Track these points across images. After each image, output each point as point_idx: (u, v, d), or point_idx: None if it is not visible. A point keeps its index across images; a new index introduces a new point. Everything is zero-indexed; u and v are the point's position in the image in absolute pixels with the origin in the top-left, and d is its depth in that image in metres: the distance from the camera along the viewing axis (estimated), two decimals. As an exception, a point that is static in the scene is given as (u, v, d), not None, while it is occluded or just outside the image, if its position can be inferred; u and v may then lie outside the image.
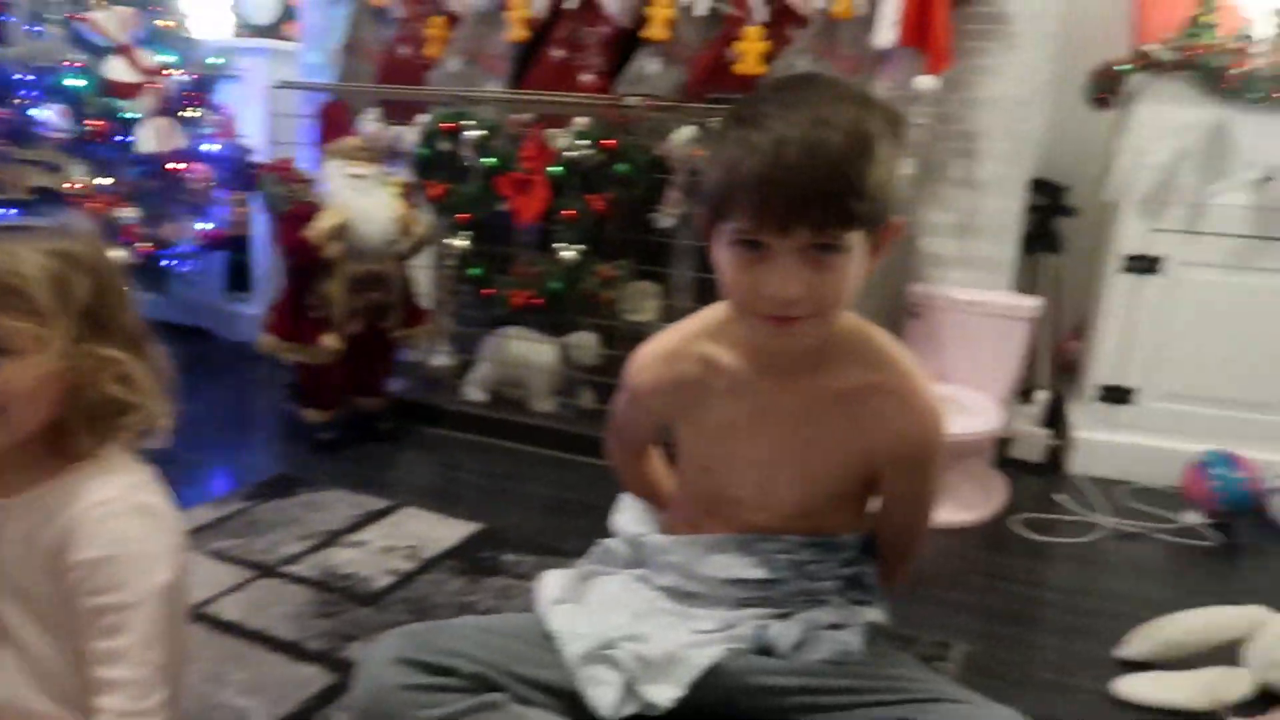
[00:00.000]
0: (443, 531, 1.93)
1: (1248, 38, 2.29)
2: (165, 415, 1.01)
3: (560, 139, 2.37)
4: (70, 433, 0.97)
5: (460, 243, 2.42)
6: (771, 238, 0.92)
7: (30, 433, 0.93)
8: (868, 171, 0.90)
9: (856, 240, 0.93)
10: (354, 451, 2.39)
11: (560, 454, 2.44)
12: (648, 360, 1.16)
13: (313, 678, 1.41)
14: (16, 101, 2.31)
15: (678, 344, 1.14)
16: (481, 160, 2.37)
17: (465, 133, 2.37)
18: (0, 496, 0.96)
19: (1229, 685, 1.45)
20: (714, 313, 1.13)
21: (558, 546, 1.88)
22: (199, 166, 2.70)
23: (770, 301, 0.93)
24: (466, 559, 1.82)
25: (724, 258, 0.97)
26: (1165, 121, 2.29)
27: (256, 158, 2.92)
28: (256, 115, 3.20)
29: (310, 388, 2.37)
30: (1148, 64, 2.30)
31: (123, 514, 0.97)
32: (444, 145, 2.44)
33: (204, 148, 2.74)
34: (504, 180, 2.34)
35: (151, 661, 0.96)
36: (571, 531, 1.98)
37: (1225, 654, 1.51)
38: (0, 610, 0.97)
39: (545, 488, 2.25)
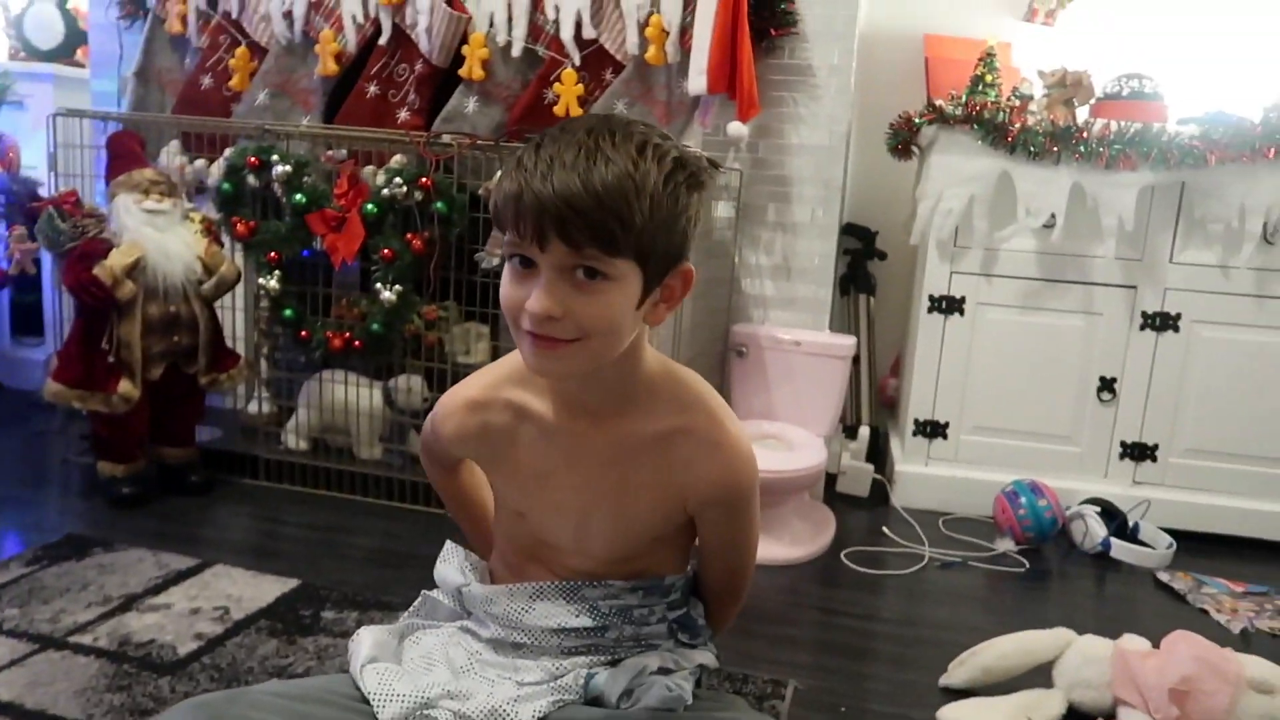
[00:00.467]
0: (257, 590, 1.80)
1: (1026, 96, 2.51)
2: None
3: (377, 176, 2.31)
4: None
5: (271, 283, 2.29)
6: (534, 252, 0.90)
7: None
8: (634, 202, 0.89)
9: (626, 271, 0.91)
10: (159, 507, 2.20)
11: (388, 502, 2.34)
12: (452, 409, 1.12)
13: (108, 759, 1.27)
14: None
15: (483, 391, 1.10)
16: (292, 197, 2.26)
17: (274, 168, 2.26)
18: None
19: (1043, 706, 1.54)
20: (514, 358, 1.10)
21: (384, 600, 1.79)
22: (-28, 198, 2.45)
23: (531, 317, 0.91)
24: (282, 619, 1.69)
25: (504, 276, 0.96)
26: (957, 171, 2.47)
27: (41, 190, 2.68)
28: (42, 145, 2.95)
29: (107, 439, 2.18)
30: (939, 117, 2.48)
31: None
32: (251, 180, 2.31)
33: (-22, 178, 2.50)
34: (316, 218, 2.24)
35: None
36: (398, 583, 1.89)
37: (1040, 676, 1.60)
38: None
39: (371, 539, 2.15)
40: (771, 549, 2.06)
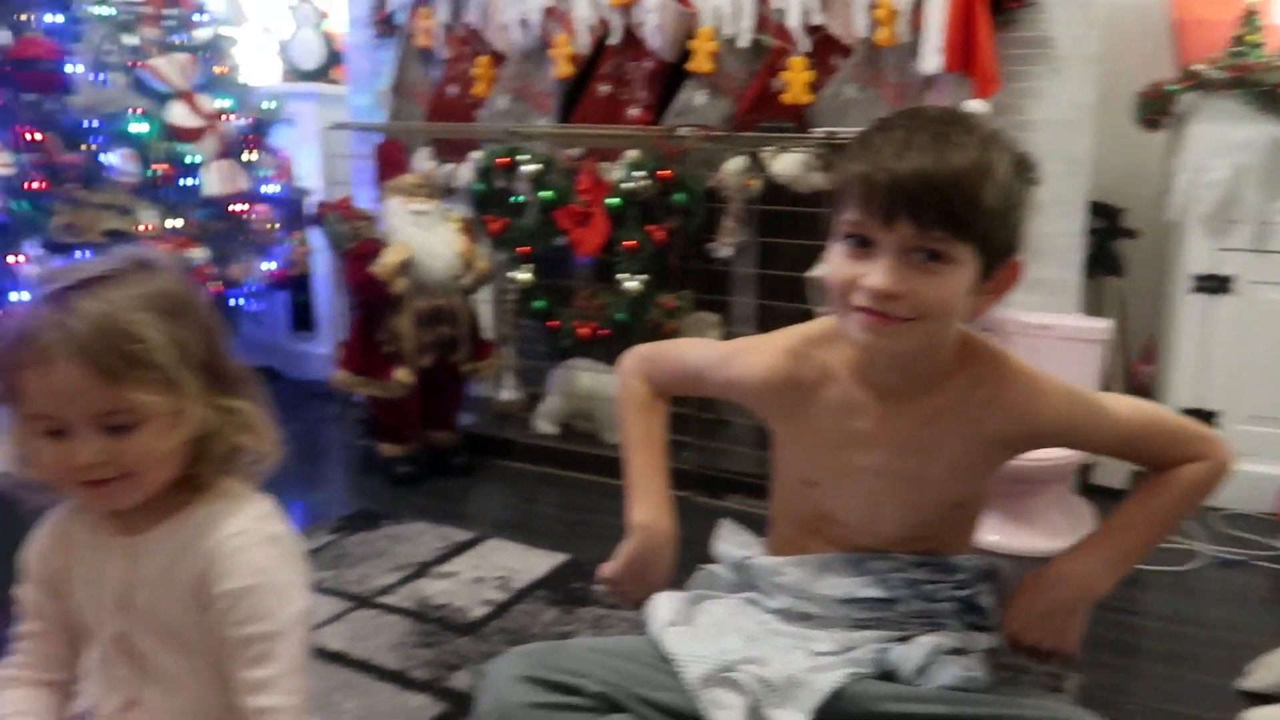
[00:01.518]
0: (530, 563, 1.92)
1: (1298, 53, 2.32)
2: (278, 450, 1.01)
3: (614, 171, 2.40)
4: (195, 474, 0.97)
5: (522, 276, 2.43)
6: (877, 232, 0.91)
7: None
8: (983, 187, 0.90)
9: (966, 257, 0.92)
10: (431, 485, 2.39)
11: (630, 484, 2.44)
12: (767, 351, 1.11)
13: (424, 706, 1.40)
14: (86, 147, 2.34)
15: (798, 343, 1.10)
16: (538, 194, 2.39)
17: (520, 167, 2.40)
18: (129, 534, 0.96)
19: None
20: (825, 324, 1.10)
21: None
22: (260, 207, 2.73)
23: (867, 294, 0.92)
24: (558, 589, 1.81)
25: (834, 253, 0.98)
26: (1221, 139, 2.30)
27: (314, 198, 2.96)
28: (309, 157, 3.25)
29: (386, 422, 2.39)
30: (1197, 84, 2.32)
31: (257, 544, 0.96)
32: (499, 181, 2.46)
33: (264, 189, 2.78)
34: (562, 213, 2.37)
35: (300, 689, 0.96)
36: (656, 559, 1.97)
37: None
38: (144, 649, 0.97)
39: (623, 519, 2.24)
40: (1028, 541, 2.01)
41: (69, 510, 0.99)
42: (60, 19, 2.38)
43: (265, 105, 2.89)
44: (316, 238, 2.97)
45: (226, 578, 0.92)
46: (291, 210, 2.91)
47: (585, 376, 2.53)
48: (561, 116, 2.80)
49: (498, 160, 2.41)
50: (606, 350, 2.52)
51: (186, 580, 0.94)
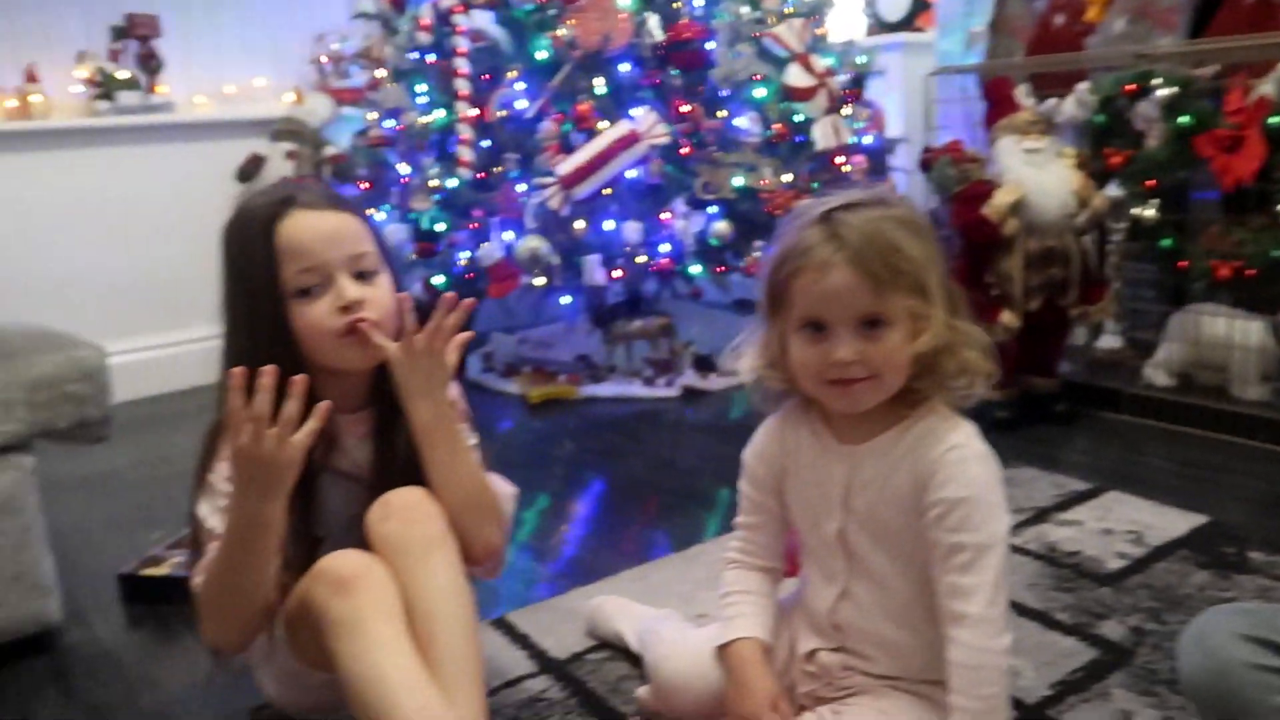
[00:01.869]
0: (1163, 520, 1.79)
1: None
2: (989, 380, 1.06)
3: (1264, 87, 2.08)
4: (917, 389, 1.05)
5: (1148, 212, 2.24)
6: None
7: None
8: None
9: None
10: (1029, 432, 2.35)
11: (1273, 447, 2.14)
12: None
13: (1075, 649, 1.39)
14: (721, 114, 2.65)
15: None
16: (1173, 120, 2.17)
17: (1153, 93, 2.19)
18: (851, 442, 1.08)
19: None
20: None
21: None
22: (857, 158, 2.87)
23: None
24: (1205, 551, 1.66)
25: None
26: None
27: (903, 146, 3.03)
28: (894, 106, 3.32)
29: (988, 367, 2.39)
30: None
31: (974, 460, 1.04)
32: (1124, 110, 2.28)
33: (861, 141, 2.91)
34: (1205, 139, 2.12)
35: (1000, 603, 1.01)
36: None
37: None
38: (858, 548, 1.08)
39: (1261, 483, 1.99)
40: None
41: (787, 420, 1.14)
42: (702, 2, 2.72)
43: (860, 60, 3.01)
44: (900, 182, 3.05)
45: (945, 486, 1.01)
46: (880, 159, 3.02)
47: (1215, 322, 2.27)
48: (1191, 33, 2.51)
49: (1124, 88, 2.24)
50: (1246, 293, 2.24)
51: (904, 487, 1.04)
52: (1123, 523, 1.80)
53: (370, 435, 1.22)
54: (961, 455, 1.03)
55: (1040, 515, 1.85)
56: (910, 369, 1.02)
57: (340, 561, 1.05)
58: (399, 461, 1.18)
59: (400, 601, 1.04)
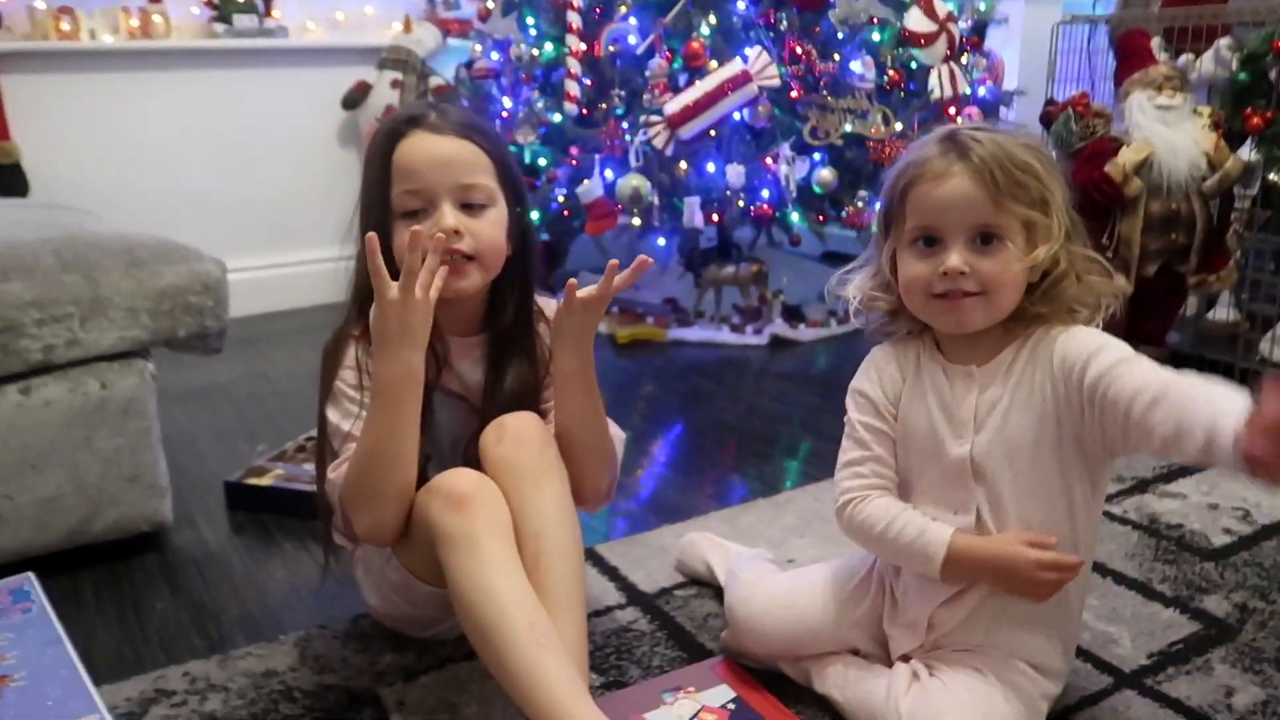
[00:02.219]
0: (1273, 499, 1.72)
1: None
2: (1111, 308, 1.03)
3: None
4: (1030, 313, 1.03)
5: (1287, 178, 2.12)
6: None
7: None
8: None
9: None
10: (1134, 401, 2.26)
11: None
12: None
13: (1176, 621, 1.35)
14: (836, 57, 2.58)
15: None
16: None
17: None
18: (970, 363, 1.06)
19: None
20: None
21: None
22: (972, 110, 2.77)
23: None
24: (1319, 533, 1.60)
25: None
26: None
27: (1019, 98, 2.91)
28: (1013, 57, 3.19)
29: (1093, 331, 2.31)
30: None
31: (1091, 333, 1.03)
32: (1267, 69, 2.15)
33: (977, 91, 2.81)
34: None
35: None
36: None
37: None
38: (989, 470, 1.04)
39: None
40: None
41: (899, 348, 1.12)
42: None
43: (982, 6, 2.89)
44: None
45: (1101, 356, 0.98)
46: (995, 112, 2.91)
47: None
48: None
49: (1273, 44, 2.11)
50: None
51: (1042, 394, 1.02)
52: (1230, 499, 1.73)
53: (482, 360, 1.24)
54: (1079, 333, 1.02)
55: (1142, 486, 1.79)
56: (1025, 291, 1.00)
57: (456, 479, 1.08)
58: (508, 388, 1.21)
59: (510, 523, 1.07)
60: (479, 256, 1.15)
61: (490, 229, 1.16)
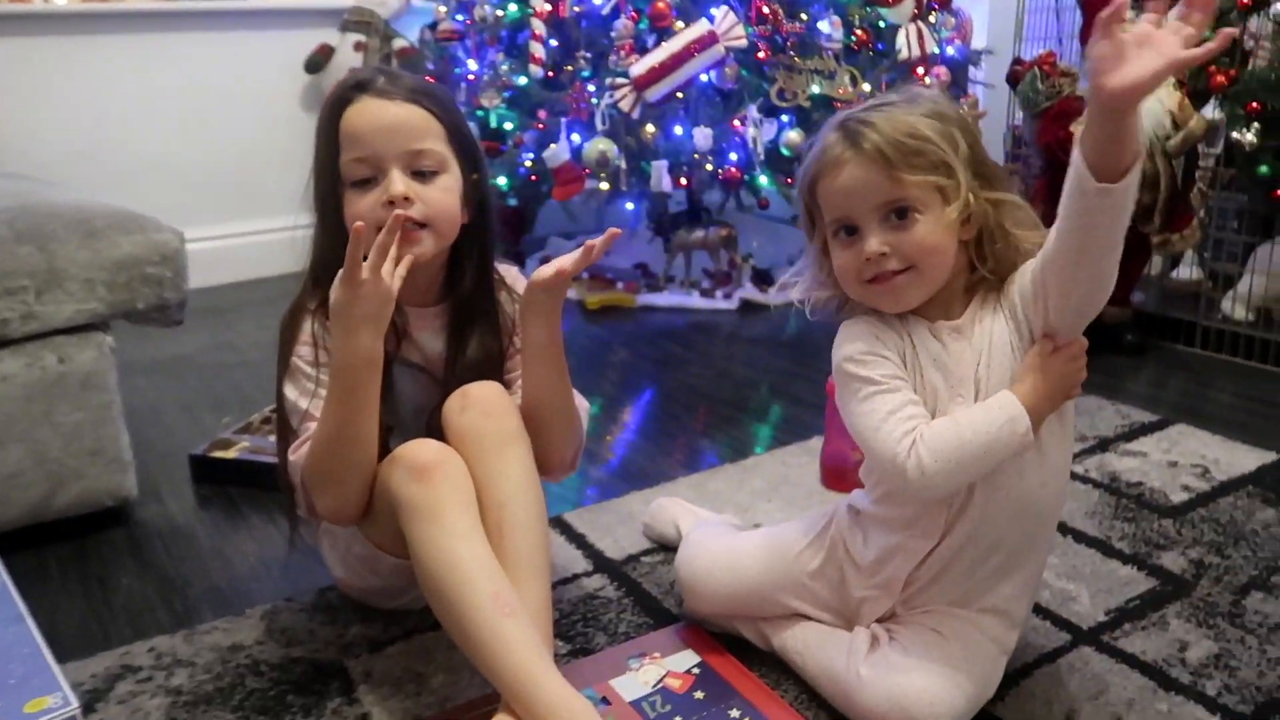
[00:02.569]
0: (1231, 456, 1.76)
1: None
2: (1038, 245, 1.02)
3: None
4: (980, 276, 1.05)
5: (1249, 137, 2.13)
6: None
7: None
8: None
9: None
10: (1096, 361, 2.25)
11: (1355, 387, 2.08)
12: None
13: (1133, 578, 1.38)
14: (803, 17, 2.56)
15: None
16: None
17: (1271, 7, 2.06)
18: (946, 319, 1.05)
19: None
20: None
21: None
22: (940, 70, 2.76)
23: None
24: (1273, 489, 1.63)
25: None
26: None
27: (987, 58, 2.90)
28: (981, 15, 3.18)
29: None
30: None
31: None
32: (1232, 25, 2.15)
33: (945, 51, 2.79)
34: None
35: None
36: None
37: None
38: None
39: (1338, 423, 1.94)
40: None
41: (876, 314, 1.08)
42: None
43: (950, -37, 2.87)
44: (981, 97, 2.93)
45: (1024, 282, 1.01)
46: (963, 71, 2.90)
47: (1307, 257, 2.18)
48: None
49: (1238, 1, 2.11)
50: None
51: (1006, 341, 1.02)
52: (1189, 456, 1.76)
53: (443, 330, 1.24)
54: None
55: (1103, 444, 1.82)
56: (951, 257, 1.01)
57: (419, 450, 1.07)
58: (470, 357, 1.21)
59: (474, 492, 1.07)
60: (431, 224, 1.14)
61: (442, 195, 1.15)
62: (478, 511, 1.06)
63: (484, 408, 1.13)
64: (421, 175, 1.14)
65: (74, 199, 1.65)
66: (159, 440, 1.94)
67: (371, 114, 1.12)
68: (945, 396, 1.04)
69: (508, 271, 1.30)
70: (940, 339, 1.05)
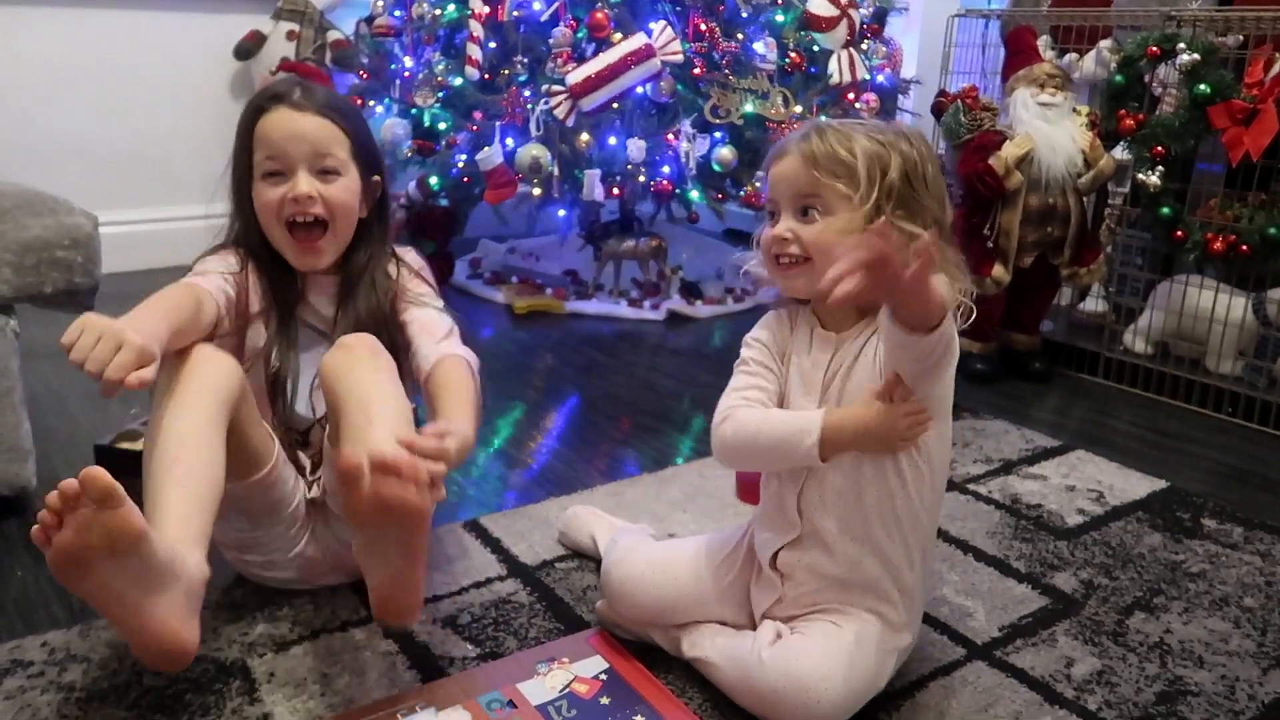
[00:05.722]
0: (1125, 482, 1.84)
1: None
2: (957, 302, 1.07)
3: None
4: None
5: (1153, 179, 2.23)
6: None
7: None
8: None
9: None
10: (1004, 387, 2.38)
11: (1242, 422, 2.19)
12: None
13: (1027, 596, 1.43)
14: (739, 36, 2.60)
15: None
16: (1194, 88, 2.15)
17: (1177, 57, 2.17)
18: (835, 331, 1.14)
19: None
20: None
21: (1261, 521, 1.69)
22: (870, 96, 2.83)
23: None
24: (1161, 515, 1.71)
25: None
26: None
27: (916, 87, 2.99)
28: (912, 46, 3.27)
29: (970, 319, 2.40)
30: None
31: None
32: (1142, 73, 2.26)
33: (876, 78, 2.87)
34: (1220, 110, 2.10)
35: None
36: (1272, 509, 1.77)
37: None
38: None
39: (1225, 455, 2.04)
40: None
41: (789, 310, 1.19)
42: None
43: (885, -6, 2.95)
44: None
45: None
46: (892, 99, 2.98)
47: (1199, 294, 2.29)
48: (1226, -1, 2.48)
49: (1148, 49, 2.21)
50: (1236, 269, 2.25)
51: (871, 358, 1.09)
52: (1086, 481, 1.84)
53: (336, 297, 1.35)
54: None
55: (1007, 467, 1.89)
56: None
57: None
58: (359, 321, 1.31)
59: (227, 388, 1.14)
60: (330, 218, 1.28)
61: (340, 193, 1.29)
62: (223, 403, 1.12)
63: (350, 345, 1.20)
64: (325, 174, 1.28)
65: (-19, 177, 1.59)
66: (63, 429, 1.88)
67: (285, 123, 1.27)
68: (798, 393, 1.15)
69: (405, 253, 1.42)
70: (810, 344, 1.15)
